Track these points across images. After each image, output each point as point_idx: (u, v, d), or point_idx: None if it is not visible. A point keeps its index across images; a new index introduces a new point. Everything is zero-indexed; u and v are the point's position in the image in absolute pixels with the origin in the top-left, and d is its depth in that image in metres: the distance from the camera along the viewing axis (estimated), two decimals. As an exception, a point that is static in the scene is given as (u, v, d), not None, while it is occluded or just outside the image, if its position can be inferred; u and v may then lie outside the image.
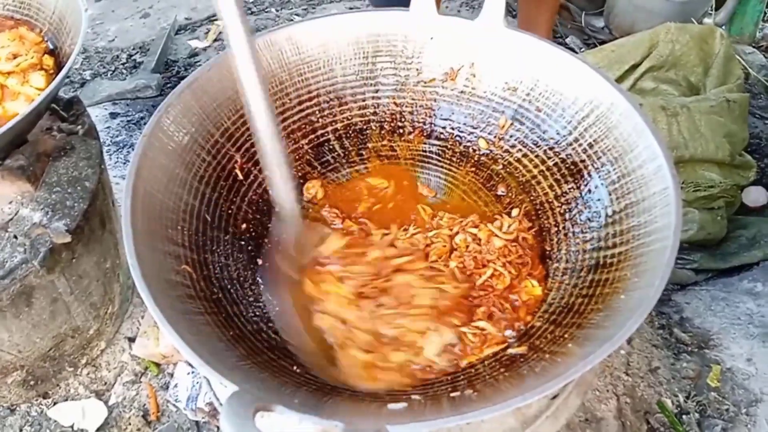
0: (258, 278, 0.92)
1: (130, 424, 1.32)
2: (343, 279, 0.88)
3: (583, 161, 0.95)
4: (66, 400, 1.35)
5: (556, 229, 0.95)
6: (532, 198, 0.99)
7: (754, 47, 2.50)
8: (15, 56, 1.21)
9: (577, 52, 2.42)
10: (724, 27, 2.41)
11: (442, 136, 1.09)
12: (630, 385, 1.36)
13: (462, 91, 1.07)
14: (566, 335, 0.77)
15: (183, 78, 2.33)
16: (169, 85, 2.31)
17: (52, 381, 1.34)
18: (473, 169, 1.06)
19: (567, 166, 0.97)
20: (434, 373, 0.80)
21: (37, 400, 1.35)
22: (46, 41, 1.27)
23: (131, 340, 1.42)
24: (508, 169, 1.03)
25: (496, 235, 0.94)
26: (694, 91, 1.90)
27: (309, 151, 1.08)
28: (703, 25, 2.20)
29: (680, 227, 0.76)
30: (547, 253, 0.94)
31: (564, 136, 0.98)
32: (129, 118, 2.08)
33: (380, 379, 0.78)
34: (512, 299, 0.89)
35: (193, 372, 1.34)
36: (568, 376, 0.66)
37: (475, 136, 1.07)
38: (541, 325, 0.83)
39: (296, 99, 1.07)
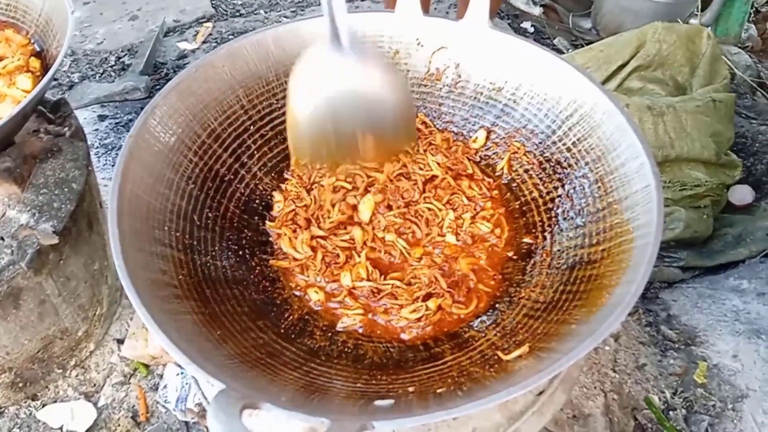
0: (248, 275, 0.93)
1: (119, 425, 1.32)
2: None
3: (567, 159, 0.96)
4: (55, 401, 1.35)
5: (541, 226, 0.96)
6: (517, 196, 1.00)
7: (739, 48, 2.52)
8: (1, 58, 1.21)
9: (564, 53, 2.44)
10: (710, 27, 2.43)
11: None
12: (617, 382, 1.37)
13: (449, 91, 1.08)
14: (550, 331, 0.78)
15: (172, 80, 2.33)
16: (157, 87, 2.31)
17: (40, 383, 1.33)
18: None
19: (552, 164, 0.98)
20: None
21: (25, 402, 1.34)
22: (33, 43, 1.27)
23: (120, 341, 1.42)
24: (493, 168, 1.04)
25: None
26: (680, 90, 1.92)
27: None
28: (689, 25, 2.22)
29: (662, 224, 0.77)
30: (532, 249, 0.95)
31: (548, 135, 0.99)
32: (117, 121, 2.08)
33: None
34: None
35: (182, 373, 1.34)
36: (552, 371, 0.66)
37: (462, 135, 1.08)
38: (526, 321, 0.84)
39: (283, 99, 1.07)
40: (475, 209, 0.99)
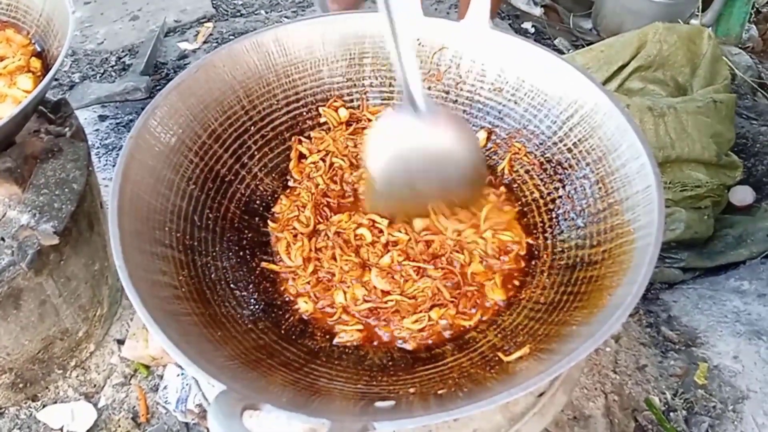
0: (248, 276, 0.93)
1: (119, 426, 1.32)
2: None
3: (567, 160, 0.96)
4: (55, 402, 1.35)
5: (542, 228, 0.96)
6: (518, 197, 1.00)
7: (740, 48, 2.52)
8: (2, 59, 1.21)
9: (565, 54, 2.44)
10: (711, 28, 2.43)
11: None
12: (618, 383, 1.37)
13: (448, 91, 1.08)
14: (551, 332, 0.78)
15: (172, 80, 2.33)
16: (158, 87, 2.30)
17: (41, 383, 1.33)
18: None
19: (552, 165, 0.98)
20: None
21: (26, 402, 1.34)
22: (34, 43, 1.27)
23: (120, 342, 1.42)
24: (494, 169, 1.04)
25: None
26: (681, 91, 1.92)
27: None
28: (690, 25, 2.21)
29: (663, 225, 0.77)
30: (533, 250, 0.95)
31: (549, 136, 0.99)
32: (118, 121, 2.08)
33: None
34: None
35: (182, 374, 1.34)
36: (553, 373, 0.66)
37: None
38: (526, 322, 0.84)
39: (284, 100, 1.07)
40: (495, 222, 0.96)
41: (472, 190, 0.96)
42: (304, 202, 1.00)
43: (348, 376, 0.80)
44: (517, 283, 0.91)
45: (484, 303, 0.89)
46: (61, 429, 1.32)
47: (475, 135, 1.04)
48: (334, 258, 0.93)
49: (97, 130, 2.03)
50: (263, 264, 0.95)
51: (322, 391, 0.76)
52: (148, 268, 0.81)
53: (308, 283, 0.92)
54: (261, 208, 1.01)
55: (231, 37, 2.60)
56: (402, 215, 0.95)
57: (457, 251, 0.92)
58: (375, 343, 0.87)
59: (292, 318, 0.90)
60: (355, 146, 1.06)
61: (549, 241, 0.94)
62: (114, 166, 1.89)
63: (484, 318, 0.88)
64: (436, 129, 0.88)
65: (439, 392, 0.73)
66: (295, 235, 0.96)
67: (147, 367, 1.39)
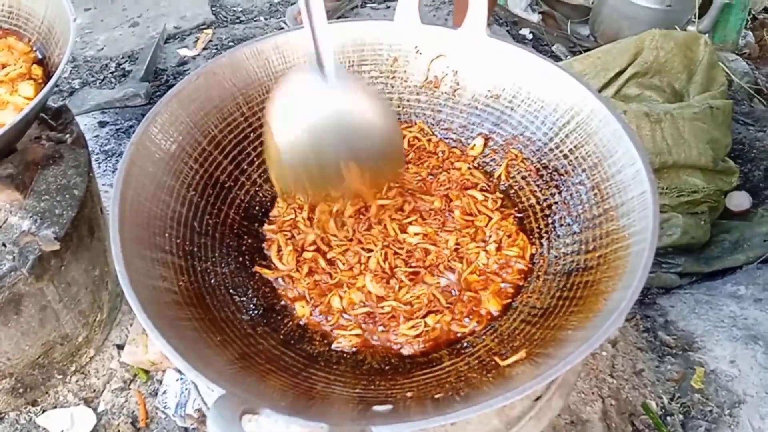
0: (247, 282, 0.93)
1: (119, 431, 1.33)
2: None
3: (564, 166, 0.97)
4: (55, 407, 1.35)
5: (538, 233, 0.97)
6: (515, 203, 1.01)
7: (737, 54, 2.53)
8: (4, 66, 1.22)
9: (562, 60, 2.45)
10: (707, 34, 2.44)
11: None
12: (615, 388, 1.37)
13: (447, 98, 1.09)
14: (547, 337, 0.79)
15: (172, 86, 2.34)
16: (158, 94, 2.32)
17: (40, 388, 1.34)
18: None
19: (549, 171, 0.99)
20: None
21: (25, 407, 1.35)
22: (35, 51, 1.28)
23: (120, 347, 1.42)
24: (491, 175, 1.05)
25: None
26: (678, 97, 1.93)
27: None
28: (687, 32, 2.23)
29: (657, 230, 0.78)
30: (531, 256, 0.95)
31: (545, 142, 1.00)
32: (118, 127, 2.09)
33: None
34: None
35: (182, 378, 1.34)
36: (549, 377, 0.67)
37: (460, 142, 1.09)
38: (523, 327, 0.84)
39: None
40: (497, 235, 0.97)
41: (385, 157, 0.91)
42: (300, 203, 1.01)
43: (346, 381, 0.81)
44: (512, 290, 0.92)
45: (480, 310, 0.90)
46: (61, 434, 1.33)
47: (386, 101, 1.00)
48: (330, 262, 0.94)
49: (97, 136, 2.04)
50: (256, 267, 0.95)
51: (320, 396, 0.76)
52: (148, 273, 0.82)
53: (306, 286, 0.93)
54: (260, 214, 1.02)
55: (230, 44, 2.62)
56: (310, 185, 0.89)
57: (456, 260, 0.93)
58: (372, 348, 0.88)
59: (290, 323, 0.90)
60: None
61: (545, 247, 0.94)
62: (114, 171, 1.91)
63: (478, 328, 0.88)
64: (344, 94, 0.84)
65: (437, 396, 0.74)
66: (289, 238, 0.97)
67: (146, 372, 1.40)
